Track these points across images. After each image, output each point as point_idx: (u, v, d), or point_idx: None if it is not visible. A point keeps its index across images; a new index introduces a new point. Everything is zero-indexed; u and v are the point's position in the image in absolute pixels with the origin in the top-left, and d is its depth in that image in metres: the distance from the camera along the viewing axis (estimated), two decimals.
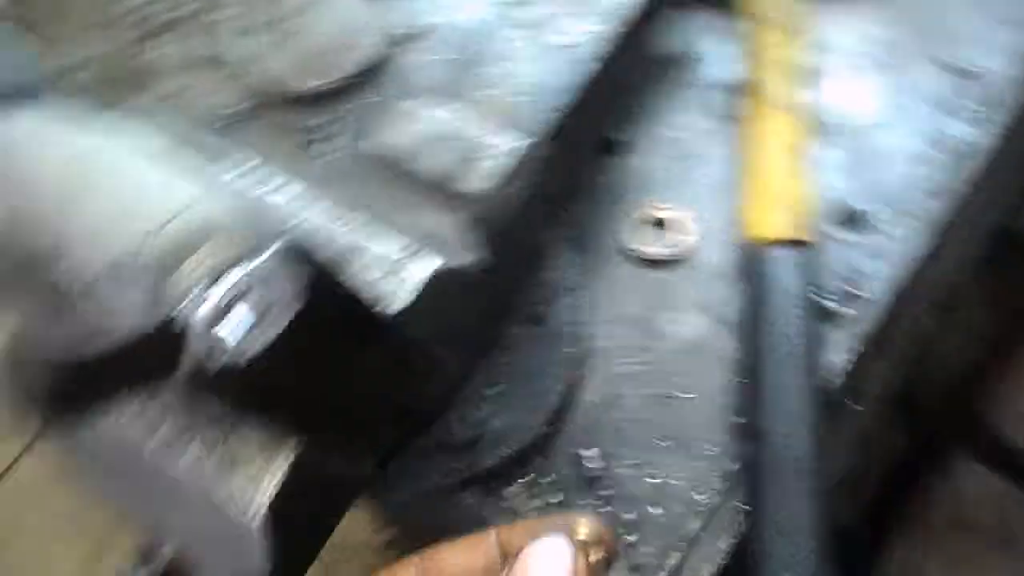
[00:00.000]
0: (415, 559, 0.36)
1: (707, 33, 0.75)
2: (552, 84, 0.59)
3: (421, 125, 0.58)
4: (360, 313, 0.32)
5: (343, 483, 0.39)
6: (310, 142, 0.74)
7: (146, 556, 0.46)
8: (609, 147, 0.72)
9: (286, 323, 0.27)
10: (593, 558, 0.35)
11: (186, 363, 0.26)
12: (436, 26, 0.64)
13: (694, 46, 0.76)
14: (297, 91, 0.59)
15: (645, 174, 0.70)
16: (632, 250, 0.66)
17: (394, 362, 0.37)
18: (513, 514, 0.60)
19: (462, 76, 0.63)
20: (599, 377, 0.63)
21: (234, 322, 0.27)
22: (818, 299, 0.62)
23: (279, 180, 0.43)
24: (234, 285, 0.27)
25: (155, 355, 0.25)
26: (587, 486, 0.60)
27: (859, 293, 0.62)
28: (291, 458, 0.36)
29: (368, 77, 0.61)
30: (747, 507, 0.55)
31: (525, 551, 0.33)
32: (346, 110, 0.62)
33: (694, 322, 0.64)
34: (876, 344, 0.62)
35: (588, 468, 0.60)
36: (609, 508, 0.59)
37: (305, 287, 0.28)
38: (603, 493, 0.59)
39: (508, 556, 0.36)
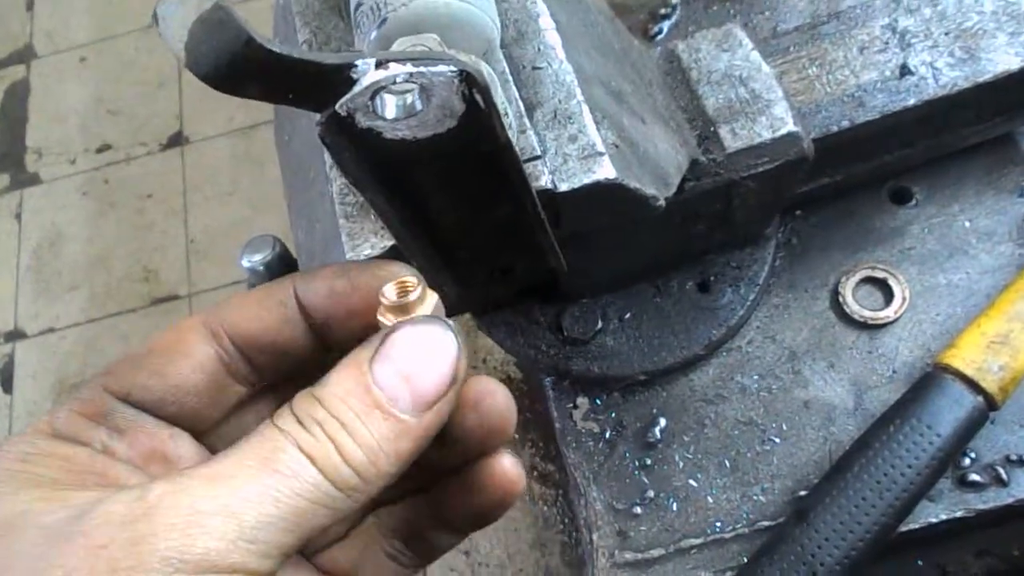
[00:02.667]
0: (201, 315, 0.34)
1: None
2: (871, 100, 0.56)
3: (737, 57, 0.56)
4: (508, 168, 0.34)
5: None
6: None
7: (272, 243, 0.53)
8: (898, 195, 0.67)
9: (438, 132, 0.30)
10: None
11: (341, 105, 0.29)
12: None
13: None
14: None
15: (905, 234, 0.65)
16: (834, 291, 0.63)
17: (521, 229, 0.39)
18: (567, 417, 0.63)
19: (809, 42, 0.60)
20: (720, 372, 0.63)
21: (397, 99, 0.29)
22: (963, 458, 0.57)
23: (549, 23, 0.45)
24: (418, 74, 0.29)
25: (323, 85, 0.29)
26: (636, 444, 0.61)
27: (1005, 479, 0.56)
28: (386, 247, 0.40)
29: None
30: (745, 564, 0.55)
31: (398, 333, 0.30)
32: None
33: (839, 390, 0.61)
34: (978, 528, 0.57)
35: (650, 431, 0.61)
36: (645, 480, 0.60)
37: (471, 117, 0.30)
38: (646, 460, 0.61)
39: (306, 308, 0.34)
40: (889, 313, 0.62)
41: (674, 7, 0.76)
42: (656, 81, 0.56)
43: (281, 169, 0.58)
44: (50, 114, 2.30)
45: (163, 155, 2.20)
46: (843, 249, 0.65)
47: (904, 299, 0.62)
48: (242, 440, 0.28)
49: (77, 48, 2.37)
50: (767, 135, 0.53)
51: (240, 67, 0.27)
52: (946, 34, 0.57)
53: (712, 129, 0.54)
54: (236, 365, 0.35)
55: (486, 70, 0.35)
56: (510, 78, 0.43)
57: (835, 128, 0.56)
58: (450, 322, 0.31)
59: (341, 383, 0.30)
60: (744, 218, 0.58)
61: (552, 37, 0.45)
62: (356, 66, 0.29)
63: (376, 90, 0.29)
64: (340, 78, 0.29)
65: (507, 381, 1.78)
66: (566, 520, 1.70)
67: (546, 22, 0.45)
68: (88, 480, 0.30)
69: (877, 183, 0.66)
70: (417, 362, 0.30)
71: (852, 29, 0.59)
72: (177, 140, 2.21)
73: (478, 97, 0.30)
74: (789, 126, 0.53)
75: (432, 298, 0.33)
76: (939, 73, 0.56)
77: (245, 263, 0.59)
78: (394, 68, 0.29)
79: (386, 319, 0.32)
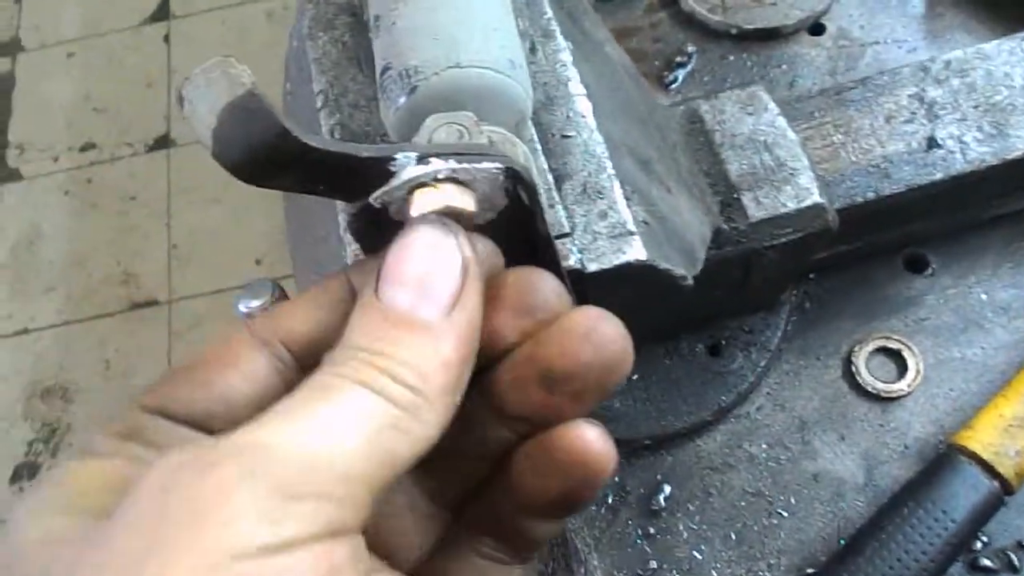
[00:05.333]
0: (250, 324, 0.31)
1: None
2: (897, 172, 0.55)
3: (762, 121, 0.55)
4: (546, 260, 0.32)
5: None
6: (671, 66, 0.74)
7: (271, 288, 0.51)
8: (914, 263, 0.65)
9: (477, 224, 0.28)
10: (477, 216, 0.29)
11: (376, 198, 0.27)
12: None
13: None
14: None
15: (919, 304, 0.63)
16: (847, 360, 0.62)
17: None
18: None
19: (834, 108, 0.59)
20: (728, 439, 0.61)
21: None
22: (975, 541, 0.56)
23: (580, 88, 0.43)
24: (461, 170, 0.27)
25: (359, 177, 0.27)
26: (639, 511, 0.59)
27: (1017, 564, 0.55)
28: None
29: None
30: None
31: (387, 252, 0.27)
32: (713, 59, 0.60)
33: (849, 464, 0.59)
34: None
35: (654, 498, 0.59)
36: (647, 549, 0.58)
37: (512, 213, 0.28)
38: (649, 528, 0.59)
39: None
40: (903, 386, 0.60)
41: (690, 55, 0.74)
42: (679, 143, 0.54)
43: (285, 213, 0.55)
44: (34, 109, 2.25)
45: (149, 157, 2.16)
46: (856, 316, 0.63)
47: (918, 372, 0.61)
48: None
49: (65, 43, 2.33)
50: (792, 205, 0.52)
51: (272, 159, 0.25)
52: (975, 107, 0.56)
53: (735, 196, 0.52)
54: (292, 374, 0.31)
55: (524, 153, 0.33)
56: (539, 147, 0.41)
57: (860, 199, 0.55)
58: (442, 218, 0.28)
59: (355, 326, 0.27)
60: (761, 285, 0.57)
61: (583, 104, 0.43)
62: (396, 159, 0.27)
63: (415, 186, 0.27)
64: (378, 170, 0.27)
65: None
66: None
67: (576, 88, 0.44)
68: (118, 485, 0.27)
69: (893, 250, 0.65)
70: (418, 267, 0.27)
71: (879, 96, 0.57)
72: (164, 142, 2.17)
73: (523, 194, 0.28)
74: (814, 197, 0.52)
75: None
76: (967, 148, 0.55)
77: (242, 308, 0.57)
78: (436, 164, 0.27)
79: None
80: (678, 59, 0.74)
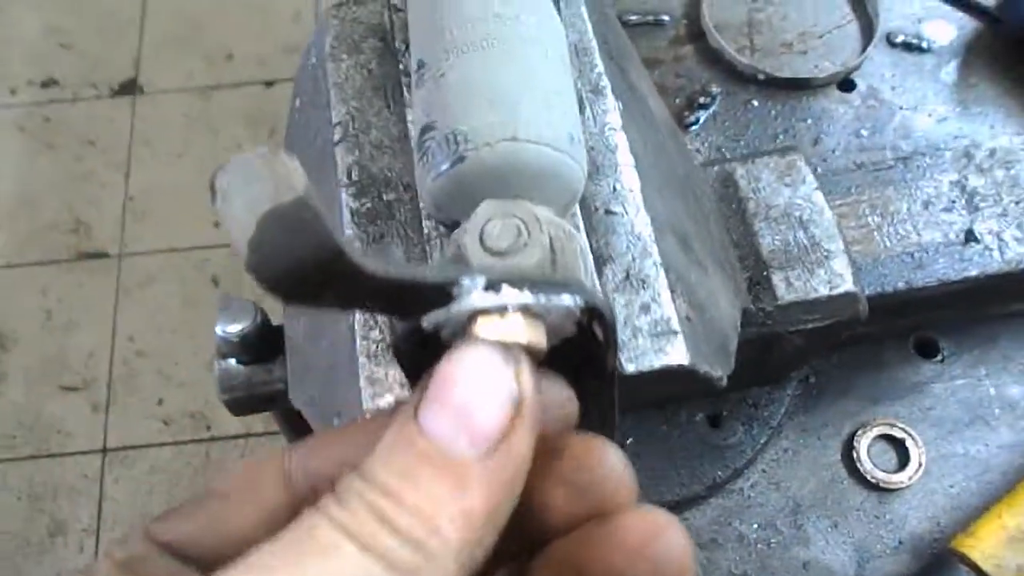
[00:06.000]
0: (281, 452, 0.27)
1: None
2: (931, 264, 0.52)
3: (799, 194, 0.51)
4: (602, 389, 0.28)
5: None
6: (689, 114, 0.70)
7: (252, 312, 0.46)
8: (924, 347, 0.63)
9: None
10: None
11: (428, 321, 0.23)
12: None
13: None
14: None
15: (926, 392, 0.61)
16: (847, 443, 0.59)
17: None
18: None
19: (872, 186, 0.56)
20: (718, 515, 0.58)
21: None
22: None
23: (628, 158, 0.39)
24: (533, 306, 0.23)
25: (415, 299, 0.23)
26: None
27: None
28: None
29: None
30: None
31: (438, 366, 0.24)
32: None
33: (840, 554, 0.57)
34: None
35: None
36: None
37: (579, 345, 0.24)
38: None
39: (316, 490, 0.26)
40: (903, 478, 0.58)
41: (714, 97, 0.71)
42: (711, 210, 0.50)
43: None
44: None
45: (113, 101, 2.06)
46: (861, 398, 0.61)
47: (920, 465, 0.59)
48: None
49: None
50: (823, 291, 0.49)
51: (319, 279, 0.21)
52: (1016, 203, 0.54)
53: (765, 274, 0.49)
54: None
55: (583, 249, 0.30)
56: (581, 223, 0.37)
57: (891, 289, 0.52)
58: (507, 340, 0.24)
59: (384, 444, 0.24)
60: (777, 365, 0.54)
61: (630, 178, 0.39)
62: (460, 284, 0.23)
63: (477, 313, 0.23)
64: (438, 293, 0.23)
65: None
66: None
67: (625, 157, 0.40)
68: None
69: (905, 332, 0.62)
70: (467, 392, 0.23)
71: (919, 179, 0.55)
72: (130, 88, 2.07)
73: (598, 331, 0.24)
74: (848, 285, 0.49)
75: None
76: (1005, 246, 0.53)
77: (219, 332, 0.52)
78: (507, 295, 0.23)
79: None
80: (701, 100, 0.70)
